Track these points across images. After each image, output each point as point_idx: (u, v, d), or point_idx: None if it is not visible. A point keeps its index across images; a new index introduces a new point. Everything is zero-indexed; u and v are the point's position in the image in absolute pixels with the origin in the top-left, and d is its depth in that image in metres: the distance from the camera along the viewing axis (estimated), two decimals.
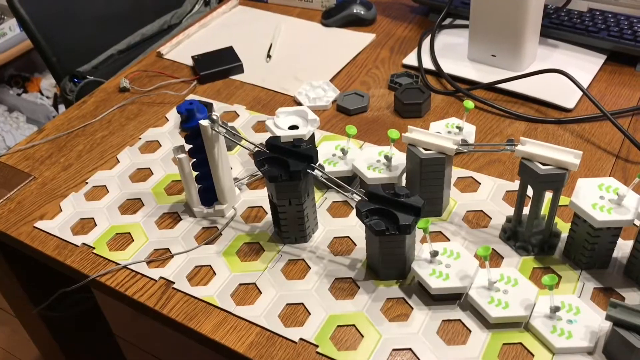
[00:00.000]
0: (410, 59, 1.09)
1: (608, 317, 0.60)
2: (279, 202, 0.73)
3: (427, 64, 1.06)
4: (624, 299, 0.68)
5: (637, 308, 0.60)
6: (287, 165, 0.70)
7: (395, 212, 0.66)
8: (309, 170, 0.71)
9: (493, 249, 0.75)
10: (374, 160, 0.80)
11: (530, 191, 0.71)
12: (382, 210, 0.67)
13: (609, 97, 0.97)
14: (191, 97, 1.05)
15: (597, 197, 0.68)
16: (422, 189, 0.76)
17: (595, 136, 0.90)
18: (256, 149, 0.73)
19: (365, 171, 0.79)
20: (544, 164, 0.67)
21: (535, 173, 0.67)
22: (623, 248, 0.72)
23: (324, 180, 0.71)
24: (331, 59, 1.12)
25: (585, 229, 0.68)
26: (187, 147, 0.78)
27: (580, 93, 0.95)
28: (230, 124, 0.97)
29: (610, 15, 1.06)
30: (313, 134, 0.86)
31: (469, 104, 0.80)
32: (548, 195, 0.72)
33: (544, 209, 0.76)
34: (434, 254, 0.69)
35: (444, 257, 0.70)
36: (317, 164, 0.72)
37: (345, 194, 0.70)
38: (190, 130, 0.75)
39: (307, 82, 1.04)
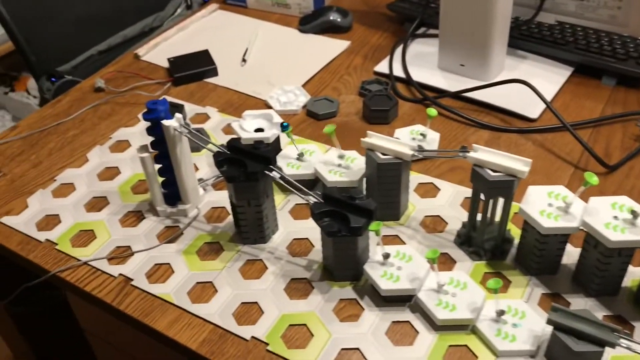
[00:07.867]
0: (382, 67, 1.11)
1: (549, 322, 0.62)
2: (238, 202, 0.75)
3: (398, 72, 1.08)
4: (569, 305, 0.70)
5: (576, 313, 0.61)
6: (245, 167, 0.72)
7: (348, 215, 0.67)
8: (266, 172, 0.72)
9: (447, 253, 0.76)
10: (334, 164, 0.82)
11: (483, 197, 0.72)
12: (336, 212, 0.69)
13: (573, 108, 0.99)
14: (165, 98, 1.06)
15: (545, 204, 0.69)
16: (379, 192, 0.77)
17: (556, 146, 0.92)
18: (217, 150, 0.75)
19: (326, 175, 0.80)
20: (494, 171, 0.69)
21: (485, 179, 0.69)
22: (572, 254, 0.74)
23: (282, 182, 0.73)
24: (305, 64, 1.14)
25: (533, 235, 0.70)
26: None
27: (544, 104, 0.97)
28: (200, 126, 0.98)
29: (579, 29, 1.08)
30: (278, 137, 0.87)
31: (432, 111, 0.82)
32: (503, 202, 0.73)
33: (498, 215, 0.78)
34: (386, 256, 0.70)
35: (397, 259, 0.71)
36: (276, 166, 0.73)
37: (302, 196, 0.72)
38: (152, 125, 0.76)
39: (279, 87, 1.06)
